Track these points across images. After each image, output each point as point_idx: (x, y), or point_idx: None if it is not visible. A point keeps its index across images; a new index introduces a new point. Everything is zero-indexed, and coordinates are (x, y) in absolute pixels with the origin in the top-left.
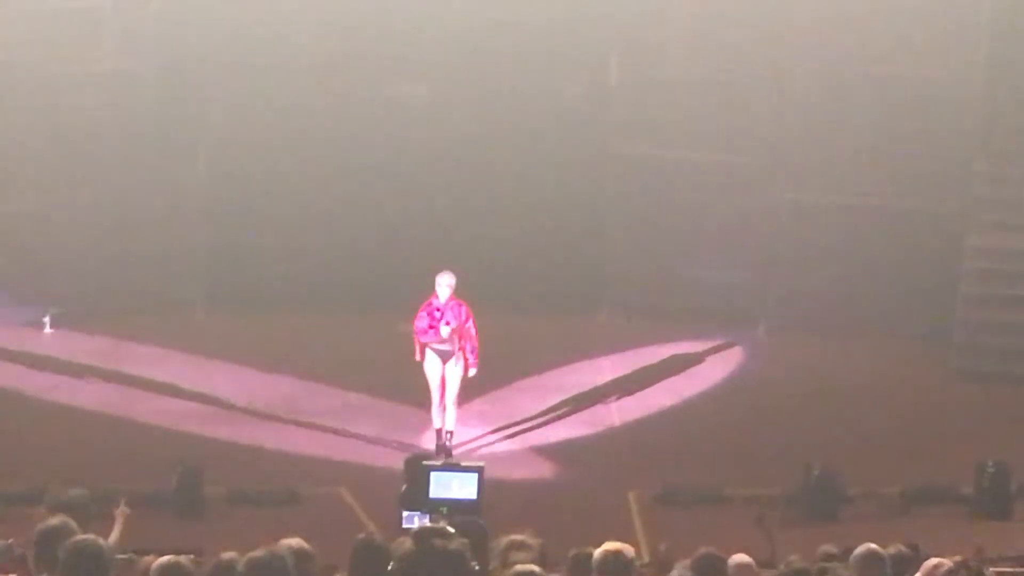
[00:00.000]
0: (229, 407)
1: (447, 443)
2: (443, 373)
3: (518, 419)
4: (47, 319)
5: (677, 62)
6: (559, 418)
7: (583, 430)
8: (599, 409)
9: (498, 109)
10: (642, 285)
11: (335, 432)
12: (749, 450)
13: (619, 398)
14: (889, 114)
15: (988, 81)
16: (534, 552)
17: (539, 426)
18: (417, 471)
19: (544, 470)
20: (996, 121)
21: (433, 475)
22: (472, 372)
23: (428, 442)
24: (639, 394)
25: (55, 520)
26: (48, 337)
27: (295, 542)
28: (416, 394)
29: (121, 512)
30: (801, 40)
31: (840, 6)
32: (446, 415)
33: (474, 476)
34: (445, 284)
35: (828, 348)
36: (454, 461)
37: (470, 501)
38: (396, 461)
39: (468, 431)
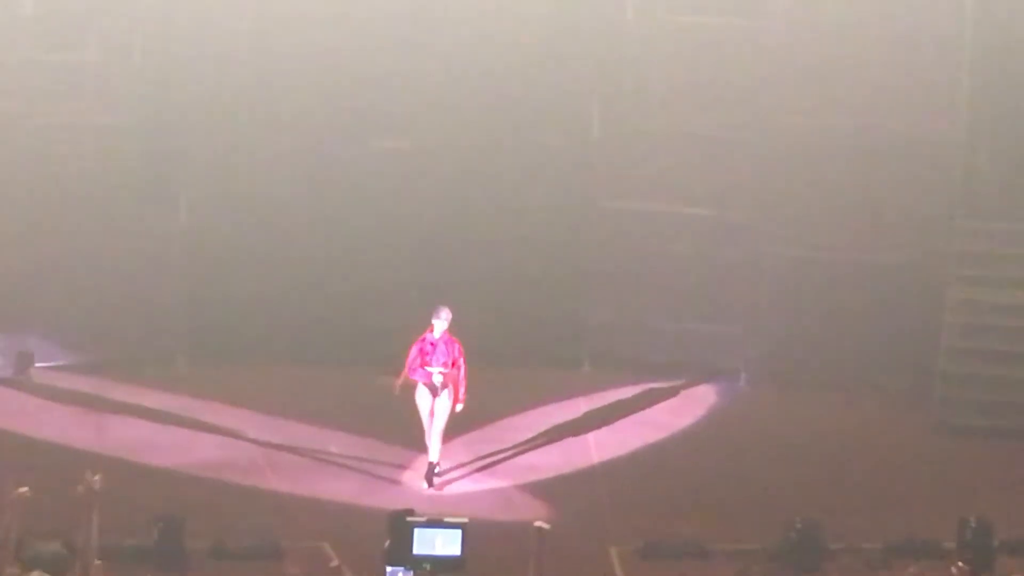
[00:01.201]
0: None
1: (433, 474)
2: (432, 406)
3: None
4: (31, 371)
5: (659, 115)
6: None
7: (563, 468)
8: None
9: (481, 162)
10: (624, 337)
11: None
12: (731, 504)
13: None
14: (871, 168)
15: (969, 135)
16: None
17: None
18: (400, 527)
19: (525, 519)
20: (977, 175)
21: (416, 531)
22: (459, 408)
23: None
24: (620, 445)
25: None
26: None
27: None
28: (398, 439)
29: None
30: (783, 94)
31: (823, 61)
32: (431, 448)
33: (458, 532)
34: (443, 318)
35: (810, 401)
36: (437, 517)
37: (454, 558)
38: (379, 516)
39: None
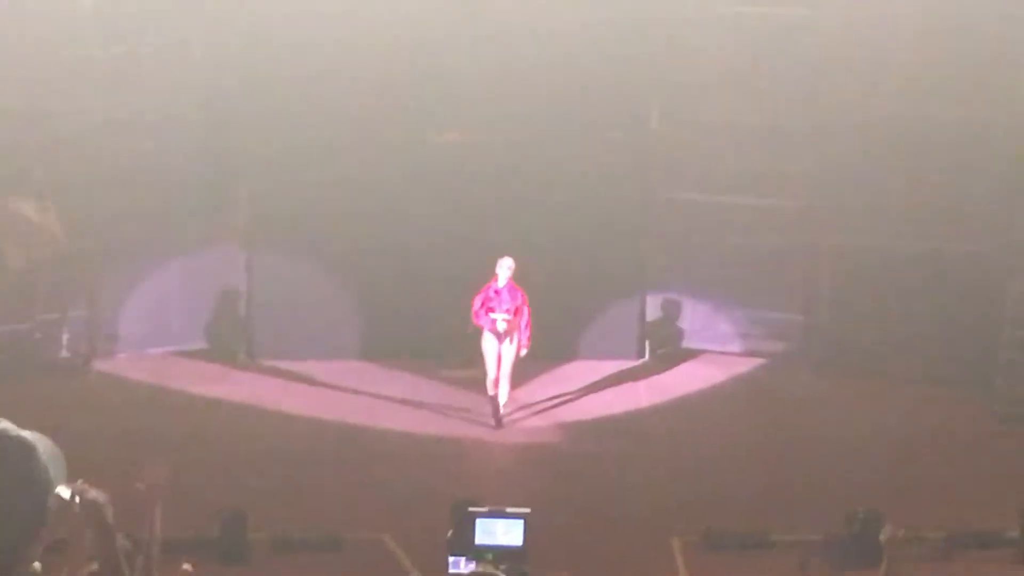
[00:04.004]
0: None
1: (500, 414)
2: (499, 351)
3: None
4: (94, 360)
5: (718, 106)
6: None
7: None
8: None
9: (539, 154)
10: (684, 327)
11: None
12: (792, 495)
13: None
14: (930, 157)
15: None
16: None
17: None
18: (463, 517)
19: (584, 509)
20: None
21: (479, 521)
22: (523, 352)
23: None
24: (683, 432)
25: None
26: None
27: None
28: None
29: (183, 573)
30: (841, 83)
31: (880, 50)
32: (499, 390)
33: (520, 523)
34: (505, 267)
35: (870, 392)
36: (499, 508)
37: (516, 548)
38: (441, 506)
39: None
